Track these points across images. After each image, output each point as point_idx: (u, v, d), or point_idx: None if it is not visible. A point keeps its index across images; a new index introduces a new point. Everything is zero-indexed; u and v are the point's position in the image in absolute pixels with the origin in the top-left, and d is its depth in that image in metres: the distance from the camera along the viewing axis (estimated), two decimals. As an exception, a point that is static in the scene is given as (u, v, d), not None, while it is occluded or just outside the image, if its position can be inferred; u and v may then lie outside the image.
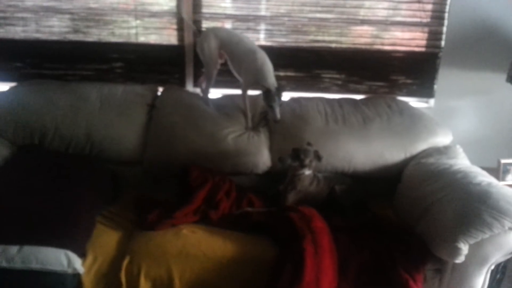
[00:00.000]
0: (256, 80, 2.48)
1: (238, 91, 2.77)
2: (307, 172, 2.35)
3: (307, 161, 2.31)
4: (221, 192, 2.31)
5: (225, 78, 2.89)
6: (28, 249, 1.82)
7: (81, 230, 1.99)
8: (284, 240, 2.01)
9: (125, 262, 1.94)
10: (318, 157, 2.33)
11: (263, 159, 2.53)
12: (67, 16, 2.87)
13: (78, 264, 1.87)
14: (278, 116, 2.39)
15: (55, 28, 2.89)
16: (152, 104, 2.68)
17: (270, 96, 2.36)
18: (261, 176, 2.58)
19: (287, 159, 2.32)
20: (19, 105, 2.57)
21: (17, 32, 2.90)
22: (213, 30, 2.67)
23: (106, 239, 2.05)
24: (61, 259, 1.83)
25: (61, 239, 1.89)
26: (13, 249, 1.81)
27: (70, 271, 1.85)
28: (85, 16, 2.87)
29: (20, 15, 2.86)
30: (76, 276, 1.90)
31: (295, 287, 1.79)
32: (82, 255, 1.93)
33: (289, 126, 2.58)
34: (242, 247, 2.01)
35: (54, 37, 2.90)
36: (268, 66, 2.47)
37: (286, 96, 2.56)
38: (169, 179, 2.51)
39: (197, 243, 2.01)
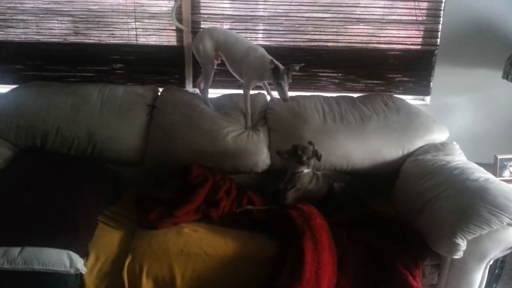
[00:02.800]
0: (262, 74, 2.49)
1: (237, 91, 2.80)
2: (306, 170, 2.37)
3: (304, 158, 2.32)
4: (222, 190, 2.32)
5: (224, 78, 2.92)
6: (30, 250, 1.83)
7: (83, 230, 2.00)
8: (284, 238, 2.02)
9: (127, 261, 1.96)
10: (317, 156, 2.35)
11: (263, 157, 2.55)
12: (67, 18, 2.89)
13: (80, 264, 1.88)
14: (287, 95, 2.38)
15: (56, 30, 2.91)
16: (152, 104, 2.69)
17: (279, 73, 2.34)
18: (260, 175, 2.60)
19: (285, 153, 2.34)
20: (20, 107, 2.59)
21: (17, 34, 2.92)
22: (208, 31, 2.66)
23: (108, 239, 2.06)
24: (63, 259, 1.84)
25: (63, 239, 1.90)
26: (15, 251, 1.82)
27: (72, 271, 1.85)
28: (85, 18, 2.89)
29: (20, 17, 2.88)
30: (79, 276, 1.91)
31: (296, 284, 1.81)
32: (85, 255, 1.94)
33: (287, 124, 2.60)
34: (243, 245, 2.03)
35: (55, 39, 2.92)
36: (269, 56, 2.48)
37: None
38: (170, 178, 2.53)
39: (198, 242, 2.02)
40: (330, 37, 2.95)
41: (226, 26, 2.95)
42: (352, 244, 2.06)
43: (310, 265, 1.86)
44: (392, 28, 2.93)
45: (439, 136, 2.64)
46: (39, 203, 2.04)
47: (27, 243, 1.85)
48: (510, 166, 2.71)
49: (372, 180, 2.58)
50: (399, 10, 2.89)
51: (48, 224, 1.94)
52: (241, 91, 2.65)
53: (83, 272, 1.91)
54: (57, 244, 1.87)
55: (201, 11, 2.88)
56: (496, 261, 2.26)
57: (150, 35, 2.94)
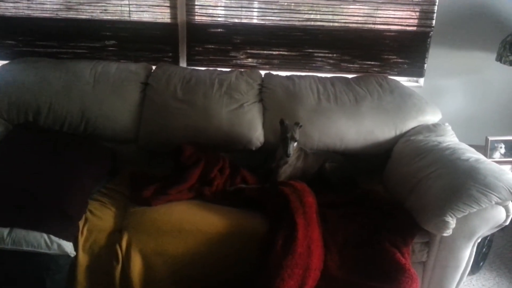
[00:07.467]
0: None
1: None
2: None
3: (288, 135, 2.30)
4: (215, 169, 2.32)
5: (219, 56, 2.92)
6: (18, 232, 1.83)
7: (72, 215, 1.96)
8: (276, 213, 2.04)
9: (120, 237, 1.96)
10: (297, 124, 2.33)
11: (257, 134, 2.55)
12: (59, -8, 2.84)
13: (69, 248, 1.88)
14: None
15: (47, 5, 2.85)
16: (145, 82, 2.67)
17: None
18: (254, 153, 2.60)
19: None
20: (12, 82, 2.56)
21: (7, 8, 2.86)
22: None
23: (101, 215, 2.06)
24: (51, 244, 1.84)
25: (52, 225, 1.87)
26: (4, 231, 1.83)
27: (61, 253, 1.86)
28: (77, -7, 2.84)
29: (10, -9, 2.83)
30: (70, 254, 1.91)
31: (288, 257, 1.83)
32: (73, 238, 1.93)
33: (282, 103, 2.60)
34: (235, 222, 2.04)
35: (46, 14, 2.87)
36: None
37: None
38: (164, 155, 2.53)
39: (191, 218, 2.03)
40: (325, 16, 2.93)
41: (220, 3, 2.92)
42: (341, 224, 2.08)
43: (302, 240, 1.88)
44: (388, 8, 2.91)
45: (431, 117, 2.66)
46: (30, 182, 2.00)
47: (16, 224, 1.84)
48: (501, 147, 2.74)
49: (364, 159, 2.61)
50: (395, -9, 2.87)
51: (38, 208, 1.90)
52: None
53: (72, 256, 1.90)
54: (46, 229, 1.85)
55: (197, -12, 2.85)
56: (484, 239, 2.30)
57: (143, 11, 2.89)
